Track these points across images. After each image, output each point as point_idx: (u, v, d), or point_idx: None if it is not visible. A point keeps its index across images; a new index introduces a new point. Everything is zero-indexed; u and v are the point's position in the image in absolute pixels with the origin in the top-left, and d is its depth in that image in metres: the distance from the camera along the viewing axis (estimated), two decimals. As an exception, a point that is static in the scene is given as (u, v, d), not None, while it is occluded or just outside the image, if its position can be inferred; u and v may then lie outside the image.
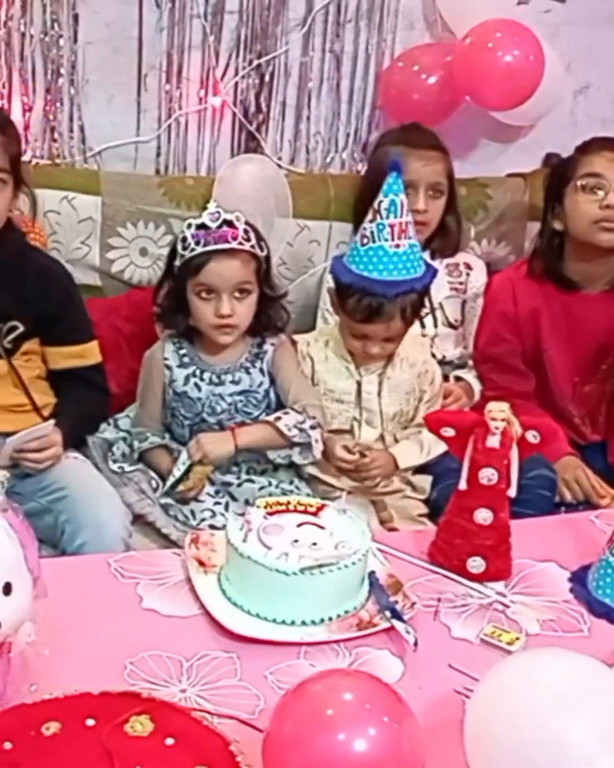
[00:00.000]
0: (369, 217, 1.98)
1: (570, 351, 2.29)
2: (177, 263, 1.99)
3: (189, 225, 1.97)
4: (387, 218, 1.95)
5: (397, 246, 1.96)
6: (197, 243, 1.94)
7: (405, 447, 2.11)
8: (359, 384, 2.12)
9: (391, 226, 1.95)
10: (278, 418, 1.98)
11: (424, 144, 2.36)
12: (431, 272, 2.05)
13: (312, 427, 1.98)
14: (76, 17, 2.44)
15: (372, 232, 1.97)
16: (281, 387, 2.06)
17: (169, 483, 1.96)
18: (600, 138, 2.27)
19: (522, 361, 2.32)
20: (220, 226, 1.93)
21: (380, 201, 1.96)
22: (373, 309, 1.99)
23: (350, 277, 2.01)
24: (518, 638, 1.37)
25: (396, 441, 2.14)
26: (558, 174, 2.30)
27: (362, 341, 2.06)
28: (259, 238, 2.00)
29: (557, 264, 2.28)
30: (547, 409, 2.25)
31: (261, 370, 2.06)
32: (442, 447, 2.03)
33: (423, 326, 2.39)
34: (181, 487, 1.96)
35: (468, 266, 2.51)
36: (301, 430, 1.97)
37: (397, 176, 1.97)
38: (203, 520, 1.95)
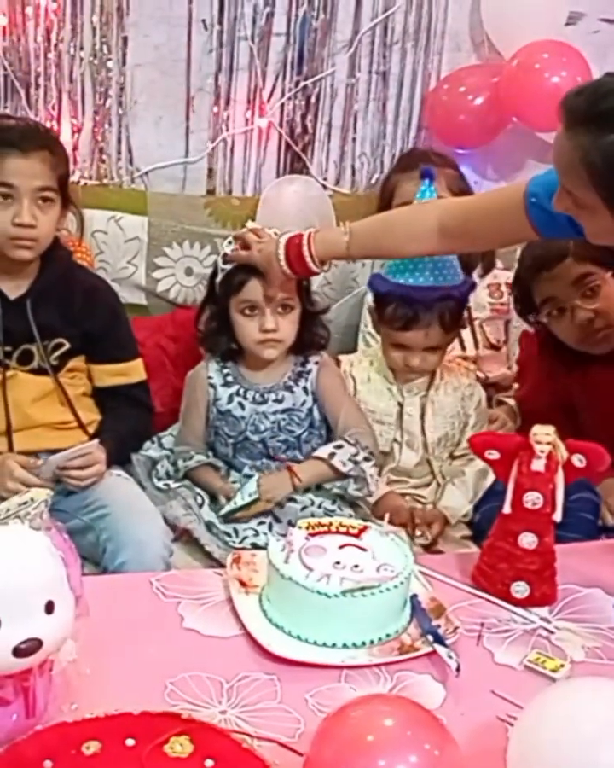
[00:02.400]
0: None
1: (603, 414, 2.11)
2: (218, 280, 2.01)
3: (229, 242, 2.00)
4: None
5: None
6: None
7: (452, 498, 2.08)
8: (401, 405, 2.11)
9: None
10: (332, 454, 1.99)
11: (417, 166, 2.35)
12: (469, 283, 2.04)
13: (366, 459, 1.99)
14: (125, 40, 2.48)
15: None
16: (330, 413, 2.07)
17: (228, 508, 1.96)
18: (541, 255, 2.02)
19: (562, 415, 2.24)
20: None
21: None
22: (410, 316, 2.00)
23: (387, 286, 2.01)
24: (562, 665, 1.35)
25: (443, 476, 2.12)
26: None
27: (403, 353, 2.06)
28: None
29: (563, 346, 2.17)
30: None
31: (304, 389, 2.06)
32: (486, 483, 2.02)
33: (463, 348, 2.37)
34: (239, 514, 1.97)
35: (510, 286, 2.49)
36: (355, 463, 1.98)
37: (429, 184, 1.97)
38: (245, 537, 1.95)
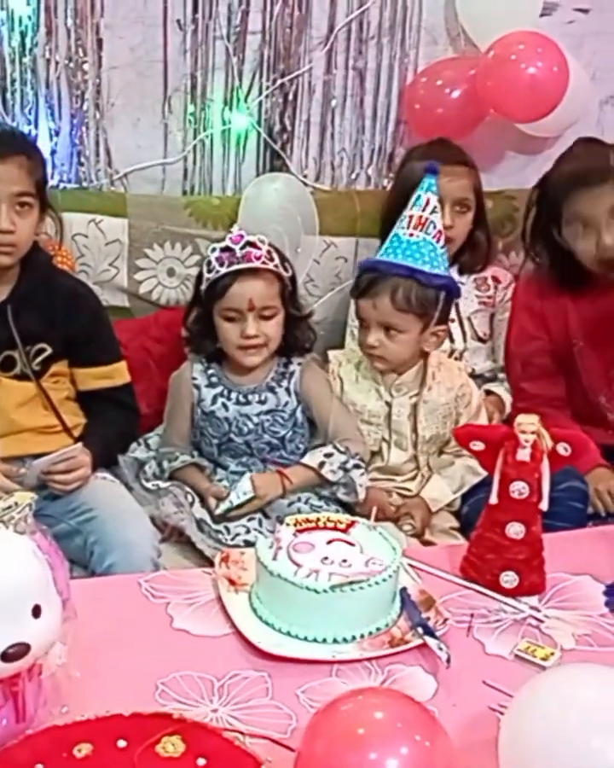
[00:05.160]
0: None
1: (601, 345, 2.23)
2: (203, 287, 2.01)
3: (213, 249, 1.99)
4: (411, 209, 2.01)
5: (411, 235, 1.99)
6: (221, 265, 1.96)
7: (435, 488, 2.09)
8: (389, 405, 2.11)
9: (410, 217, 2.00)
10: (322, 464, 2.00)
11: (449, 160, 2.36)
12: (444, 277, 2.03)
13: (355, 466, 2.00)
14: (100, 42, 2.46)
15: (397, 223, 2.03)
16: (319, 418, 2.07)
17: (224, 508, 1.97)
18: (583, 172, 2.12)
19: (552, 359, 2.28)
20: (243, 247, 1.94)
21: (414, 197, 2.03)
22: (367, 284, 2.02)
23: (369, 263, 2.06)
24: (552, 654, 1.35)
25: (429, 468, 2.13)
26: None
27: (363, 331, 2.06)
28: (283, 259, 2.02)
29: (575, 272, 2.21)
30: (579, 409, 2.21)
31: (287, 390, 2.06)
32: (474, 478, 2.03)
33: (452, 340, 2.38)
34: (233, 513, 1.98)
35: (496, 280, 2.51)
36: (345, 470, 1.99)
37: (431, 176, 2.02)
38: (237, 534, 1.96)
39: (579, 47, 2.71)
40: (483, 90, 2.55)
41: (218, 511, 1.97)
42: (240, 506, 1.96)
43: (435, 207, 2.01)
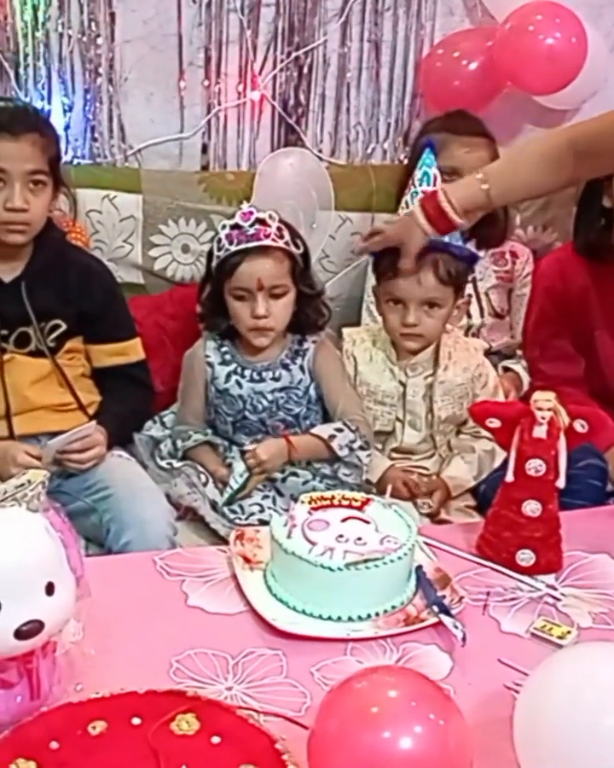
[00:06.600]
0: (407, 189, 2.00)
1: None
2: (214, 264, 2.00)
3: (224, 226, 1.97)
4: (420, 186, 1.96)
5: None
6: (230, 243, 1.94)
7: (457, 469, 2.07)
8: (403, 385, 2.09)
9: (424, 194, 1.94)
10: (332, 436, 1.98)
11: (467, 131, 2.34)
12: (468, 250, 2.01)
13: (361, 448, 1.98)
14: (113, 16, 2.45)
15: (406, 201, 1.98)
16: (328, 397, 2.06)
17: (227, 495, 1.96)
18: None
19: (571, 342, 2.27)
20: (253, 224, 1.92)
21: (415, 174, 1.98)
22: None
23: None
24: (569, 632, 1.34)
25: (448, 448, 2.12)
26: None
27: (401, 312, 2.00)
28: (294, 236, 1.99)
29: (603, 240, 2.20)
30: (597, 392, 2.20)
31: (301, 367, 2.05)
32: (495, 463, 2.01)
33: (469, 316, 2.36)
34: (239, 496, 1.97)
35: (514, 254, 2.49)
36: (351, 449, 1.98)
37: (430, 151, 1.99)
38: (252, 514, 1.95)
39: (598, 17, 2.67)
40: (501, 61, 2.52)
41: (222, 502, 1.96)
42: (241, 488, 1.95)
43: (440, 182, 1.97)
